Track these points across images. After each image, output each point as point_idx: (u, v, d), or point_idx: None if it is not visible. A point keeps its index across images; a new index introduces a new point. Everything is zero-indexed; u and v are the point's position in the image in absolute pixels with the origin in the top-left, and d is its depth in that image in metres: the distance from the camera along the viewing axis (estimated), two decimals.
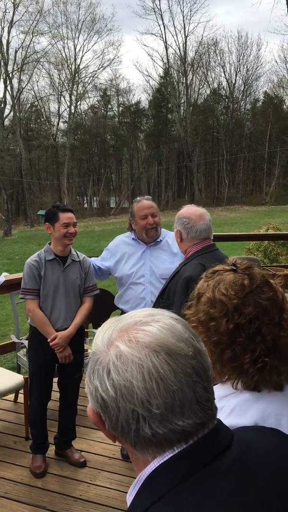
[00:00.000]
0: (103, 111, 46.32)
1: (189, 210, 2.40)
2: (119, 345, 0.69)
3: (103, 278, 3.33)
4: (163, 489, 0.66)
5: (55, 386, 3.17)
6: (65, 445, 3.11)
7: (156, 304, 2.45)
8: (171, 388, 0.66)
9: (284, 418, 1.03)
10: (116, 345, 0.69)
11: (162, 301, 2.35)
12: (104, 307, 3.79)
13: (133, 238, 3.11)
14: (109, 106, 46.38)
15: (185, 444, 0.68)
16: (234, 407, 1.07)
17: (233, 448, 0.71)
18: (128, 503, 0.72)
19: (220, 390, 1.14)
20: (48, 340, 2.86)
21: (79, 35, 41.20)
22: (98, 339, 0.73)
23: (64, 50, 40.45)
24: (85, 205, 45.80)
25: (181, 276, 2.25)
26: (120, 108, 46.83)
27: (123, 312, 3.02)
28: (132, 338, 0.69)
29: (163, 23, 43.97)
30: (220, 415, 1.08)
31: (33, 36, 35.75)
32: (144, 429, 0.66)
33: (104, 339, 0.72)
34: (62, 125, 44.43)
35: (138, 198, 3.11)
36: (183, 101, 43.47)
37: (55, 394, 3.25)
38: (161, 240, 3.08)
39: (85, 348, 3.32)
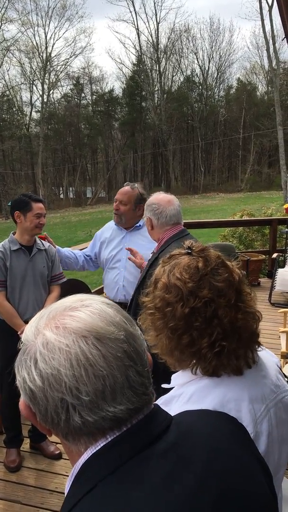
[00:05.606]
0: (76, 100, 45.81)
1: (158, 196, 2.40)
2: (45, 333, 0.66)
3: (95, 268, 3.35)
4: (95, 480, 0.63)
5: None
6: (40, 438, 3.08)
7: (137, 294, 2.39)
8: (100, 373, 0.63)
9: (244, 403, 1.00)
10: (43, 333, 0.66)
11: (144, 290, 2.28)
12: None
13: (115, 223, 3.12)
14: (83, 94, 45.93)
15: (118, 431, 0.65)
16: (192, 393, 1.04)
17: (170, 433, 0.69)
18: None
19: (180, 377, 1.11)
20: (19, 332, 2.80)
21: (49, 22, 40.61)
22: (27, 329, 0.70)
23: (34, 38, 39.88)
24: (61, 196, 45.38)
25: None
26: (94, 97, 46.40)
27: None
28: (59, 324, 0.66)
29: (134, 10, 43.71)
30: (178, 402, 1.05)
31: (1, 24, 34.99)
32: (74, 418, 0.63)
33: (32, 328, 0.69)
34: (35, 115, 43.87)
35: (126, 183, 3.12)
36: (156, 88, 43.30)
37: None
38: (140, 224, 3.05)
39: None
